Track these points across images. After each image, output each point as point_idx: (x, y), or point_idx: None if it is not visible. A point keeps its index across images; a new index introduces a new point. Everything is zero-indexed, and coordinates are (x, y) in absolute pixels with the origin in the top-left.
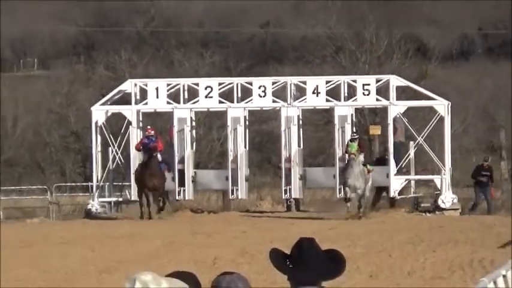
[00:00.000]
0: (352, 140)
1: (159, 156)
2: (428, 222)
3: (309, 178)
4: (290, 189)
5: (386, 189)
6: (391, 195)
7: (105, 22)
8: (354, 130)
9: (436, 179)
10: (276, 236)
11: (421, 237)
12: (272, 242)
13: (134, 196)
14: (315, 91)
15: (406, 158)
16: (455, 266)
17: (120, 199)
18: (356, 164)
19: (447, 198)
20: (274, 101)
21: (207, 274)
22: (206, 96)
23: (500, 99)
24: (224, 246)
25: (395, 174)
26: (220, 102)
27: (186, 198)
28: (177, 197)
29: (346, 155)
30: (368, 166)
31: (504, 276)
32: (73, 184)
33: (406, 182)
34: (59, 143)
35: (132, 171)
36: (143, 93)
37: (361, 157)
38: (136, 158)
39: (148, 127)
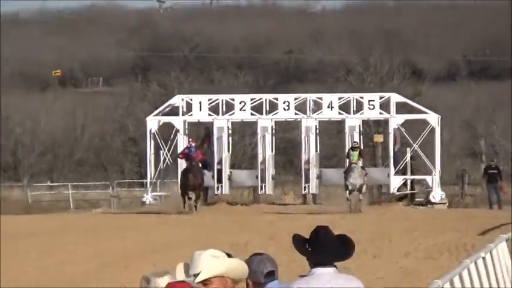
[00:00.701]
0: (353, 149)
1: (199, 164)
2: (421, 214)
3: (324, 177)
4: (308, 186)
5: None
6: (391, 191)
7: (158, 48)
8: (355, 140)
9: (428, 178)
10: (297, 224)
11: (415, 226)
12: (294, 229)
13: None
14: (330, 106)
15: (404, 161)
16: (444, 249)
17: (169, 193)
18: (356, 167)
19: (437, 194)
20: (296, 114)
21: (241, 255)
22: (240, 109)
23: (481, 114)
24: (254, 232)
25: (394, 174)
26: (251, 114)
27: (223, 193)
28: (216, 192)
29: (347, 160)
30: (365, 169)
31: (483, 258)
32: (130, 181)
33: (404, 180)
34: (119, 147)
35: (179, 171)
36: (189, 107)
37: (360, 162)
38: (183, 162)
39: (190, 139)
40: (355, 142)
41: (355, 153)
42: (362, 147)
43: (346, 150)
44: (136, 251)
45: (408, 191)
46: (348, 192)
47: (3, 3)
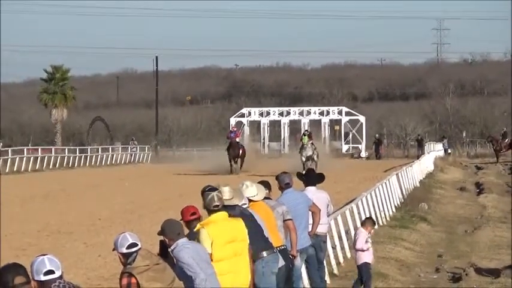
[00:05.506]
0: (304, 135)
1: (238, 139)
2: (356, 163)
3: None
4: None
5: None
6: (343, 152)
7: (234, 85)
8: (306, 128)
9: (359, 146)
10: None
11: (355, 168)
12: (296, 168)
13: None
14: (315, 112)
15: (348, 138)
16: (367, 178)
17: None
18: (308, 145)
19: (363, 153)
20: (299, 116)
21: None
22: (273, 114)
23: (384, 117)
24: (282, 168)
25: (344, 144)
26: (278, 116)
27: (265, 153)
28: (261, 152)
29: (301, 142)
30: (314, 145)
31: (385, 182)
32: (220, 148)
33: (348, 146)
34: (217, 132)
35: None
36: (249, 113)
37: (311, 141)
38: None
39: (232, 125)
40: (306, 130)
41: (305, 137)
42: (311, 133)
43: (301, 135)
44: (221, 182)
45: (350, 152)
46: (303, 161)
47: (163, 64)
